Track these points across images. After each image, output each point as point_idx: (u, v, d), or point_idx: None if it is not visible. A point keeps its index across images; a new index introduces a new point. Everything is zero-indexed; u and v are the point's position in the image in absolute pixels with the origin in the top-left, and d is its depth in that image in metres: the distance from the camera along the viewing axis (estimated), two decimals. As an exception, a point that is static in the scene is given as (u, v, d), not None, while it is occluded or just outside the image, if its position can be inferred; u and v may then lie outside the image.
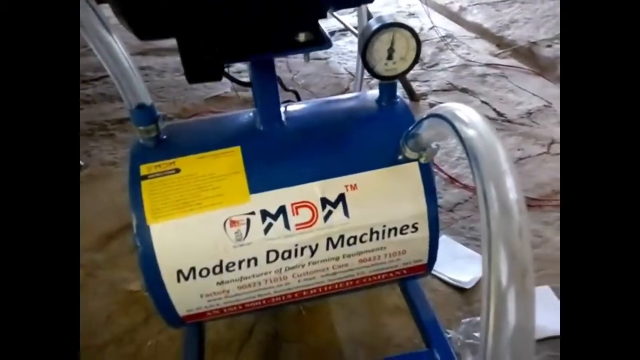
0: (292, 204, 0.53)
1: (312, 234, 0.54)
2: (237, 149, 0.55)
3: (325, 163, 0.55)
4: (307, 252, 0.54)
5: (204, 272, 0.53)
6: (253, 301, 0.57)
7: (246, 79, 0.64)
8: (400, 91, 1.58)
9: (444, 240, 1.01)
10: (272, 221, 0.53)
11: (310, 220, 0.53)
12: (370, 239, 0.55)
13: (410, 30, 0.54)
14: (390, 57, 0.55)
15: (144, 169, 0.54)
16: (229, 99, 1.77)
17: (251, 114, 0.61)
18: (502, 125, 1.52)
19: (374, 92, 0.62)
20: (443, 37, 2.23)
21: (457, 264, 0.93)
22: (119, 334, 0.84)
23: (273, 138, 0.57)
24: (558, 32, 2.20)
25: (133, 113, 0.54)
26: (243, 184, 0.53)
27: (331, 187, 0.54)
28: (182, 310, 0.56)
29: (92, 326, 0.87)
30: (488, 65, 1.96)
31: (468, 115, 0.39)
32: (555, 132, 1.47)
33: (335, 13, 1.82)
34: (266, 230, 0.53)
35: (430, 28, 2.27)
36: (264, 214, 0.53)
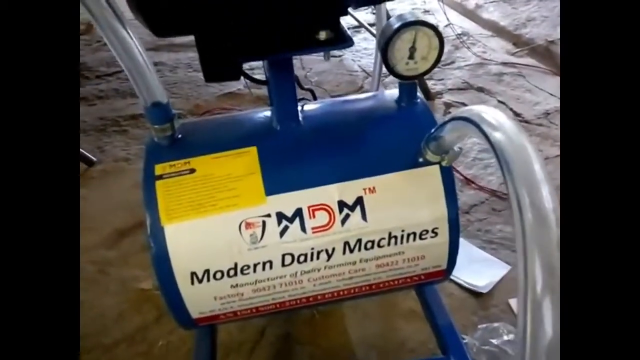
0: (309, 207, 0.52)
1: (329, 237, 0.52)
2: (253, 149, 0.54)
3: (343, 165, 0.54)
4: (323, 256, 0.53)
5: (218, 275, 0.52)
6: (267, 305, 0.56)
7: (259, 76, 0.63)
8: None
9: (459, 243, 0.99)
10: (288, 224, 0.52)
11: (327, 224, 0.52)
12: (389, 244, 0.54)
13: (434, 28, 0.53)
14: (411, 57, 0.54)
15: (158, 169, 0.53)
16: (241, 96, 1.76)
17: (267, 112, 0.60)
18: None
19: (393, 92, 0.60)
20: (459, 34, 2.20)
21: (473, 267, 0.91)
22: (130, 333, 0.84)
23: (290, 138, 0.56)
24: (577, 30, 2.16)
25: (148, 111, 0.53)
26: (259, 185, 0.52)
27: (349, 189, 0.52)
28: (194, 312, 0.55)
29: (103, 324, 0.87)
30: (505, 64, 1.92)
31: (496, 118, 0.37)
32: (574, 133, 1.44)
33: (350, 10, 1.80)
34: (282, 233, 0.52)
35: (446, 25, 2.24)
36: (280, 216, 0.52)
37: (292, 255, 0.52)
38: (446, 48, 2.24)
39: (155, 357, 0.80)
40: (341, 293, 0.58)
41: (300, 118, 0.57)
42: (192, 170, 0.53)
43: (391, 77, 1.85)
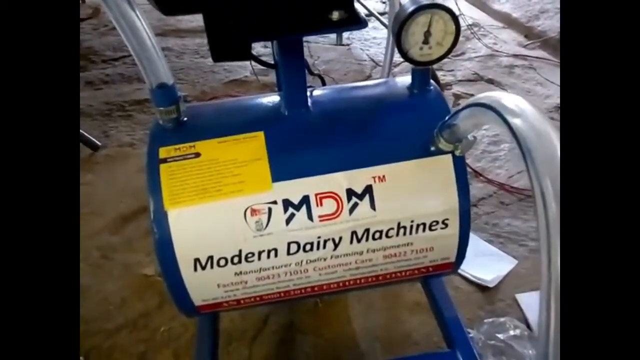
0: (316, 194, 0.50)
1: (336, 226, 0.51)
2: (260, 134, 0.52)
3: (352, 152, 0.52)
4: (330, 245, 0.52)
5: (222, 262, 0.51)
6: (271, 293, 0.55)
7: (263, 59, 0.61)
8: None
9: (467, 236, 0.97)
10: (294, 211, 0.50)
11: (335, 212, 0.51)
12: (397, 234, 0.52)
13: (450, 12, 0.51)
14: (426, 42, 0.52)
15: (163, 152, 0.52)
16: (248, 82, 1.74)
17: (276, 97, 0.58)
18: (530, 119, 1.47)
19: (405, 78, 0.59)
20: (470, 25, 2.16)
21: (480, 261, 0.90)
22: (132, 319, 0.83)
23: (298, 124, 0.54)
24: (590, 23, 2.11)
25: (153, 93, 0.52)
26: (266, 171, 0.51)
27: (358, 177, 0.51)
28: (197, 299, 0.54)
29: (106, 309, 0.86)
30: (516, 56, 1.89)
31: (518, 104, 0.35)
32: (586, 127, 1.41)
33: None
34: (288, 221, 0.50)
35: (457, 16, 2.21)
36: (287, 203, 0.50)
37: (298, 244, 0.51)
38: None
39: (157, 344, 0.80)
40: (347, 283, 0.56)
41: (310, 103, 0.55)
42: (197, 155, 0.52)
43: (400, 67, 1.82)
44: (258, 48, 1.64)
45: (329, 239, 0.51)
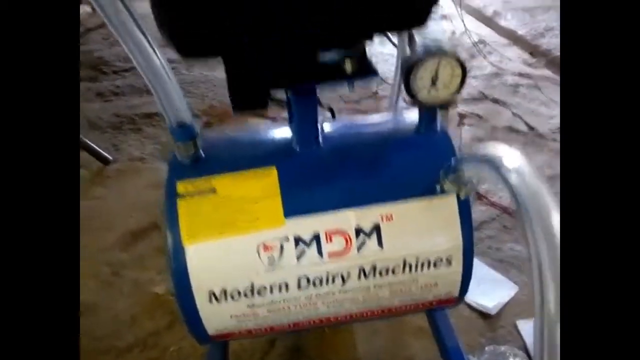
0: (327, 232, 0.53)
1: (345, 263, 0.53)
2: (273, 171, 0.55)
3: (361, 189, 0.54)
4: (338, 280, 0.54)
5: (235, 295, 0.53)
6: (281, 324, 0.57)
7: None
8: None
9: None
10: (305, 248, 0.53)
11: (344, 249, 0.53)
12: (403, 271, 0.54)
13: (457, 58, 0.53)
14: (433, 84, 0.54)
15: (181, 187, 0.54)
16: (256, 98, 1.77)
17: (287, 131, 0.60)
18: (533, 140, 1.49)
19: (413, 116, 0.61)
20: (475, 42, 2.19)
21: (482, 287, 0.91)
22: (143, 337, 0.86)
23: (309, 160, 0.57)
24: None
25: (172, 130, 0.54)
26: (278, 208, 0.53)
27: (367, 216, 0.53)
28: (211, 329, 0.56)
29: (117, 327, 0.88)
30: (521, 75, 1.91)
31: (518, 166, 0.38)
32: (589, 150, 1.43)
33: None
34: (299, 257, 0.53)
35: (463, 32, 2.23)
36: (298, 240, 0.53)
37: (308, 279, 0.53)
38: (462, 55, 2.22)
39: (168, 362, 0.82)
40: (354, 316, 0.58)
41: (320, 139, 0.58)
42: (214, 190, 0.54)
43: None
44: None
45: (337, 275, 0.54)
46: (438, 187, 0.54)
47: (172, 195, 0.54)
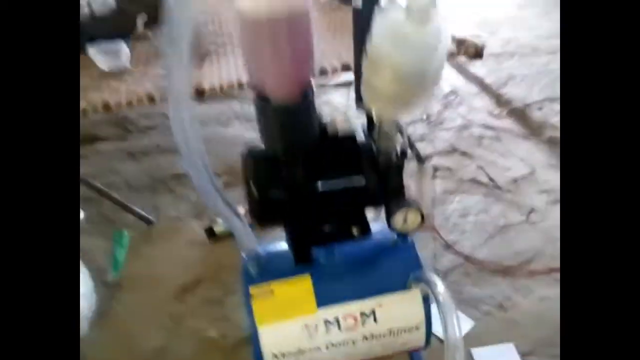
0: (343, 315, 0.87)
1: (354, 333, 0.88)
2: (308, 277, 0.89)
3: (363, 288, 0.89)
4: (350, 343, 0.89)
5: (288, 355, 0.87)
6: (315, 370, 0.92)
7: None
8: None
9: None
10: (330, 325, 0.87)
11: (354, 325, 0.88)
12: (390, 336, 0.89)
13: (419, 209, 0.88)
14: (405, 221, 0.89)
15: (252, 290, 0.88)
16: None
17: (316, 251, 0.94)
18: (492, 192, 1.85)
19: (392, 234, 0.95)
20: (447, 93, 2.55)
21: (448, 324, 1.27)
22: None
23: (330, 270, 0.91)
24: (550, 92, 2.50)
25: (248, 257, 0.88)
26: (312, 301, 0.87)
27: (367, 305, 0.88)
28: (272, 375, 0.90)
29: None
30: (485, 126, 2.27)
31: (443, 293, 0.73)
32: (535, 200, 1.79)
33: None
34: (327, 331, 0.87)
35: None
36: (326, 321, 0.87)
37: (332, 343, 0.88)
38: (436, 107, 2.56)
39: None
40: (356, 359, 0.93)
41: (336, 256, 0.92)
42: (272, 291, 0.88)
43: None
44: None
45: (350, 340, 0.88)
46: (408, 285, 0.88)
47: (248, 295, 0.88)
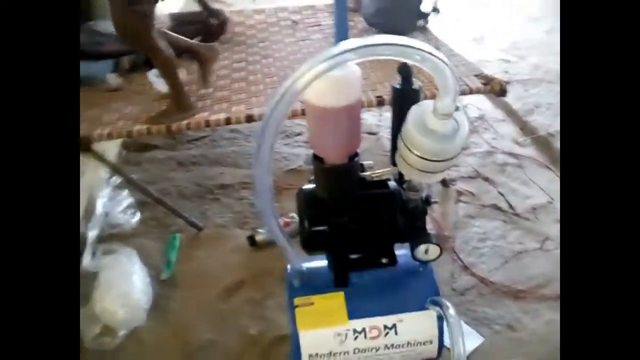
0: (369, 327, 1.05)
1: (378, 341, 1.06)
2: (341, 294, 1.08)
3: (387, 305, 1.07)
4: (374, 350, 1.07)
5: (322, 356, 1.06)
6: (343, 370, 1.10)
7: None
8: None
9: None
10: (358, 334, 1.05)
11: (378, 335, 1.06)
12: (407, 346, 1.07)
13: (439, 246, 1.05)
14: (426, 253, 1.06)
15: (296, 301, 1.07)
16: (301, 172, 2.29)
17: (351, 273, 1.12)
18: (511, 219, 1.98)
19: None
20: (475, 118, 2.69)
21: (460, 339, 1.43)
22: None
23: (360, 288, 1.09)
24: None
25: (292, 273, 1.07)
26: (344, 314, 1.06)
27: (389, 320, 1.06)
28: (307, 371, 1.09)
29: (227, 357, 1.42)
30: (510, 154, 2.40)
31: (453, 314, 0.90)
32: (552, 229, 1.91)
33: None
34: (355, 338, 1.06)
35: (465, 106, 2.72)
36: (354, 330, 1.05)
37: (359, 349, 1.06)
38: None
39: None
40: (379, 366, 1.11)
41: (366, 278, 1.10)
42: (312, 303, 1.07)
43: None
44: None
45: (374, 347, 1.06)
46: (425, 306, 1.06)
47: (292, 306, 1.07)
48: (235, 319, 1.55)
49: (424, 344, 1.08)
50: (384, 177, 0.96)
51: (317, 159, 0.84)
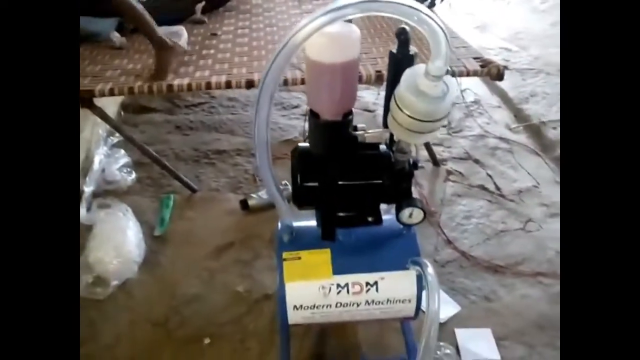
0: (352, 282, 1.11)
1: (360, 297, 1.12)
2: (328, 251, 1.13)
3: (371, 264, 1.13)
4: (355, 305, 1.13)
5: (306, 308, 1.12)
6: (324, 322, 1.17)
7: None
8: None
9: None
10: (341, 289, 1.11)
11: (360, 291, 1.12)
12: (387, 303, 1.13)
13: (423, 208, 1.10)
14: (410, 216, 1.12)
15: (285, 255, 1.13)
16: (296, 143, 2.32)
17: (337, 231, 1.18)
18: (497, 200, 2.04)
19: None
20: (471, 102, 2.73)
21: (438, 306, 1.50)
22: (230, 319, 1.46)
23: (345, 246, 1.15)
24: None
25: (282, 228, 1.12)
26: (329, 269, 1.12)
27: (372, 277, 1.11)
28: (292, 321, 1.15)
29: (214, 311, 1.48)
30: (501, 139, 2.45)
31: (432, 273, 0.96)
32: (535, 211, 1.98)
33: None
34: (338, 293, 1.11)
35: (463, 90, 2.76)
36: (338, 285, 1.11)
37: (341, 303, 1.12)
38: (458, 115, 2.76)
39: (249, 333, 1.42)
40: (357, 319, 1.18)
41: (351, 235, 1.16)
42: (300, 258, 1.13)
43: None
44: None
45: (355, 302, 1.12)
46: (407, 266, 1.12)
47: (281, 259, 1.13)
48: (223, 277, 1.60)
49: (403, 302, 1.14)
50: (375, 142, 1.01)
51: (313, 114, 0.88)
